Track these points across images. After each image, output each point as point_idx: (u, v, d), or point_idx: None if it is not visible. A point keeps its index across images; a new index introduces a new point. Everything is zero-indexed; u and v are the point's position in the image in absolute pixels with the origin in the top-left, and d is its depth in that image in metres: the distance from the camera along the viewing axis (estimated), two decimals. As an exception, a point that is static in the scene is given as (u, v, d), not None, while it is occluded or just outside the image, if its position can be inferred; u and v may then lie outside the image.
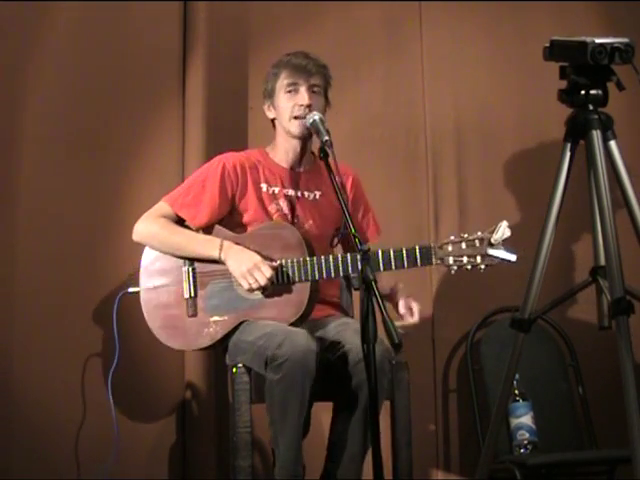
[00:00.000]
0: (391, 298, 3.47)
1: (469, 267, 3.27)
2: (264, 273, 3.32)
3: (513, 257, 3.23)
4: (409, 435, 3.45)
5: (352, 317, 3.66)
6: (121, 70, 4.04)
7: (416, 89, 4.38)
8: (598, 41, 3.08)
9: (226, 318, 3.41)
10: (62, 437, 3.81)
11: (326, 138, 3.26)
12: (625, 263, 3.08)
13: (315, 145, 3.45)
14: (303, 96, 3.46)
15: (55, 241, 3.86)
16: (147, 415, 3.97)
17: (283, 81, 3.49)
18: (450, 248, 3.27)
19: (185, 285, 3.44)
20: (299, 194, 3.55)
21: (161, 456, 3.98)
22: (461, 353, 4.32)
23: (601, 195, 3.12)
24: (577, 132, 3.18)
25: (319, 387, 3.22)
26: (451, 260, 3.27)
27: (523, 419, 4.06)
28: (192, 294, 3.44)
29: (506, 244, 3.24)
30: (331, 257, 3.33)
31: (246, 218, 3.49)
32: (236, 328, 3.40)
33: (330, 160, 3.21)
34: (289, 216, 3.51)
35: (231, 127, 4.16)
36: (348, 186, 3.59)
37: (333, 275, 3.33)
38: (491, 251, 3.24)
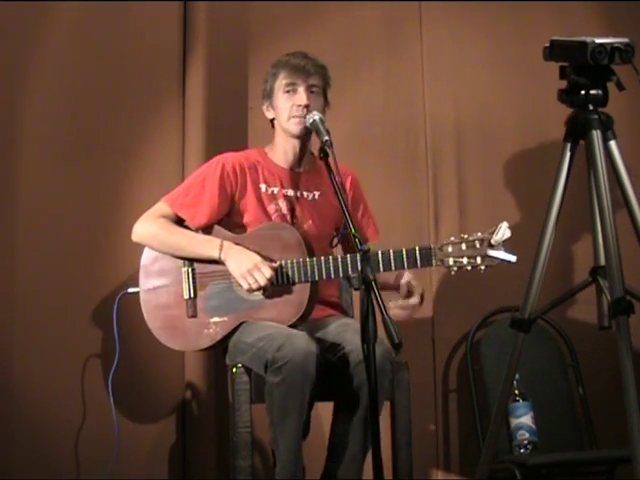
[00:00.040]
0: (396, 281, 3.44)
1: (469, 268, 3.26)
2: (264, 274, 3.32)
3: (513, 258, 3.22)
4: (409, 435, 3.45)
5: (352, 317, 3.66)
6: (121, 70, 4.04)
7: (416, 89, 4.38)
8: (598, 41, 3.08)
9: (226, 319, 3.41)
10: (62, 437, 3.81)
11: (326, 138, 3.25)
12: (625, 263, 3.09)
13: (314, 145, 3.45)
14: (301, 96, 3.45)
15: (55, 241, 3.86)
16: (147, 415, 3.97)
17: (282, 81, 3.49)
18: (450, 249, 3.26)
19: (185, 286, 3.44)
20: (298, 194, 3.54)
21: (161, 456, 3.98)
22: (461, 353, 4.31)
23: (601, 195, 3.12)
24: (577, 132, 3.18)
25: (319, 388, 3.22)
26: (451, 261, 3.26)
27: (523, 419, 4.05)
28: (192, 295, 3.44)
29: (506, 245, 3.24)
30: (331, 258, 3.32)
31: (245, 218, 3.49)
32: (236, 329, 3.40)
33: (330, 160, 3.21)
34: (288, 216, 3.51)
35: (231, 127, 4.16)
36: (347, 186, 3.59)
37: (333, 276, 3.33)
38: (491, 252, 3.23)
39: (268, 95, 3.54)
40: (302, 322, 3.36)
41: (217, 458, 3.98)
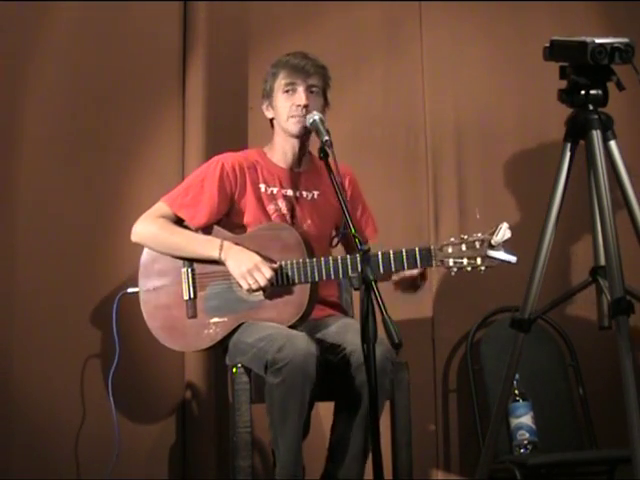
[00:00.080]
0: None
1: (469, 269, 3.26)
2: (264, 274, 3.32)
3: (513, 259, 3.22)
4: (409, 435, 3.45)
5: (352, 317, 3.66)
6: (121, 70, 4.04)
7: (416, 89, 4.38)
8: (598, 41, 3.08)
9: (226, 319, 3.41)
10: (62, 437, 3.81)
11: (326, 138, 3.25)
12: (625, 263, 3.09)
13: (314, 145, 3.45)
14: (300, 96, 3.45)
15: (55, 241, 3.86)
16: (147, 415, 3.97)
17: (281, 81, 3.49)
18: (450, 250, 3.26)
19: (184, 286, 3.44)
20: (297, 194, 3.54)
21: (161, 456, 3.98)
22: (461, 353, 4.31)
23: (601, 195, 3.11)
24: (577, 132, 3.18)
25: (320, 388, 3.21)
26: (451, 262, 3.26)
27: (523, 419, 4.05)
28: (191, 296, 3.44)
29: (506, 245, 3.23)
30: (331, 259, 3.32)
31: (245, 219, 3.49)
32: (236, 329, 3.40)
33: (330, 160, 3.21)
34: (288, 216, 3.51)
35: (231, 127, 4.16)
36: (345, 185, 3.58)
37: (333, 277, 3.32)
38: (491, 253, 3.23)
39: (268, 95, 3.54)
40: (302, 322, 3.36)
41: (217, 458, 3.98)
